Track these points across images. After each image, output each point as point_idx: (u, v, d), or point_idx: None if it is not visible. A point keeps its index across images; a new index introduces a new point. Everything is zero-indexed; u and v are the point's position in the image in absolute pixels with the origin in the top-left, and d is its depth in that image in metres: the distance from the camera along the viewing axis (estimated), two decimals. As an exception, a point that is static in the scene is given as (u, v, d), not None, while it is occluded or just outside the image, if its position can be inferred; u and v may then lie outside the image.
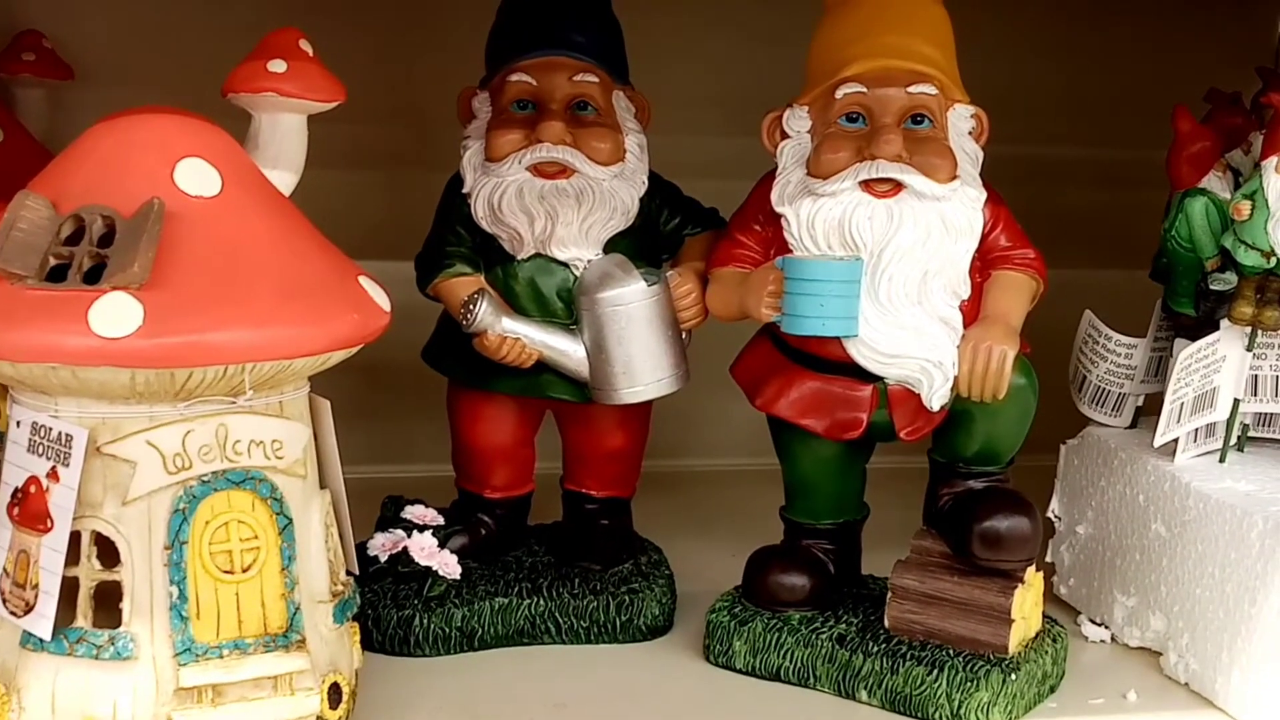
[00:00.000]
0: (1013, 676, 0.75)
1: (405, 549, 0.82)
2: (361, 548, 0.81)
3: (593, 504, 0.88)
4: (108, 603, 0.63)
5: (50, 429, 0.62)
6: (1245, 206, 0.78)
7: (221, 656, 0.63)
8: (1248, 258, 0.78)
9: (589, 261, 0.81)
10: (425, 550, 0.82)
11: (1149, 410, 0.88)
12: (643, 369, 0.81)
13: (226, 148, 0.65)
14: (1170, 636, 0.81)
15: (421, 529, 0.83)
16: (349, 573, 0.71)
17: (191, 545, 0.63)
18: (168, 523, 0.62)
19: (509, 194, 0.80)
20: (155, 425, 0.62)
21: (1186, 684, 0.80)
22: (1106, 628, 0.86)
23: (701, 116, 1.08)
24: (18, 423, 0.63)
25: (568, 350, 0.81)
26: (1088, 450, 0.89)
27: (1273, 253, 0.77)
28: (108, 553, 0.63)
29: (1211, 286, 0.81)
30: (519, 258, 0.81)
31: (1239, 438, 0.84)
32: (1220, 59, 1.16)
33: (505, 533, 0.87)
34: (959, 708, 0.74)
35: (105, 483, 0.62)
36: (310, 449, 0.67)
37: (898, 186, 0.75)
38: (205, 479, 0.63)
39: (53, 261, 0.61)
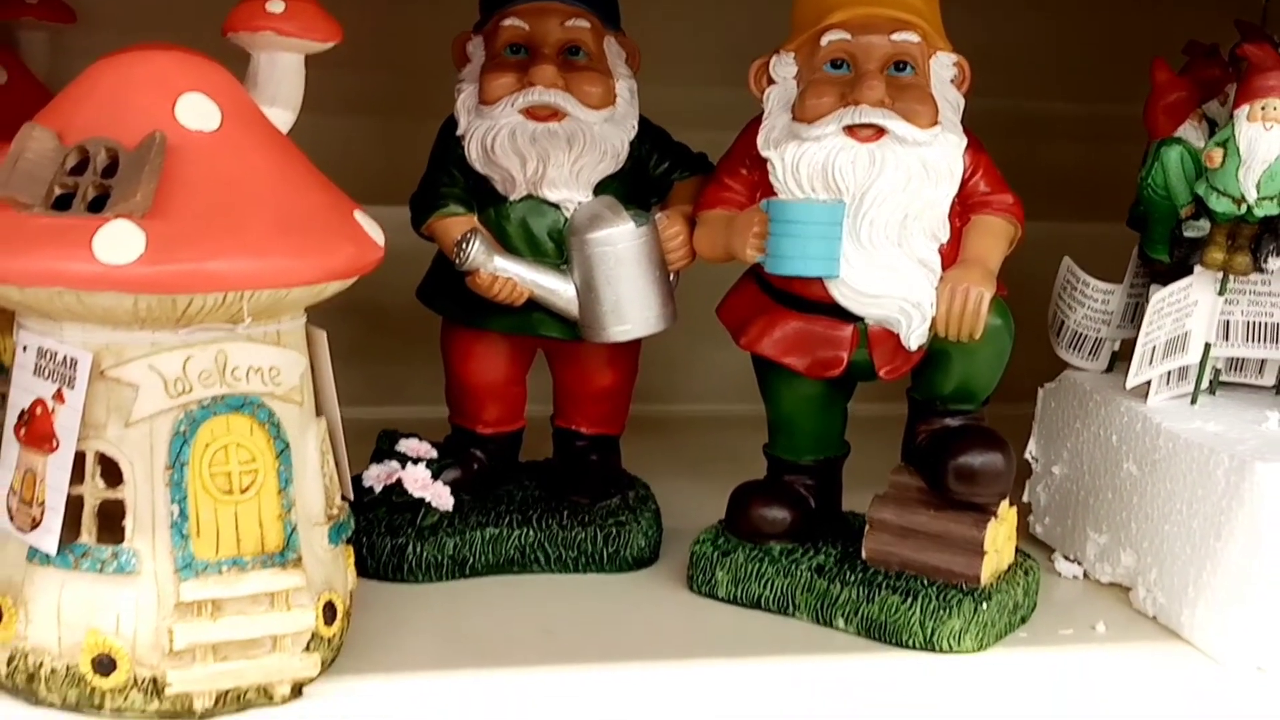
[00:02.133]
0: (984, 606, 0.78)
1: (399, 480, 0.84)
2: (357, 479, 0.84)
3: (582, 441, 0.91)
4: (111, 522, 0.65)
5: (56, 353, 0.64)
6: (1218, 154, 0.80)
7: (221, 573, 0.65)
8: (1220, 204, 0.80)
9: (579, 203, 0.83)
10: (419, 482, 0.85)
11: (1124, 355, 0.90)
12: (631, 308, 0.83)
13: (226, 84, 0.67)
14: (1139, 572, 0.84)
15: (415, 461, 0.85)
16: (344, 498, 0.73)
17: (192, 467, 0.65)
18: (169, 444, 0.65)
19: (502, 136, 0.82)
20: (157, 351, 0.64)
21: (1154, 617, 0.82)
22: (1079, 564, 0.89)
23: (695, 67, 1.10)
24: (24, 347, 0.66)
25: (558, 289, 0.83)
26: (1064, 393, 0.91)
27: (1243, 199, 0.80)
28: (111, 472, 0.65)
29: (1185, 233, 0.83)
30: (511, 199, 0.83)
31: (1211, 381, 0.87)
32: (1208, 14, 1.17)
33: (497, 467, 0.90)
34: (932, 635, 0.77)
35: (109, 405, 0.64)
36: (307, 377, 0.70)
37: (880, 132, 0.77)
38: (205, 403, 0.65)
39: (58, 191, 0.63)
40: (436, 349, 0.90)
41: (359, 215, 0.69)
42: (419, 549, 0.83)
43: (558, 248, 0.83)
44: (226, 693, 0.66)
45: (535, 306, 0.84)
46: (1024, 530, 0.89)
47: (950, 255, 0.78)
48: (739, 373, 0.88)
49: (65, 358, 0.64)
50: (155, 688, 0.65)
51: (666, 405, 1.17)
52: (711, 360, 1.16)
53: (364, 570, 0.81)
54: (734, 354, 0.87)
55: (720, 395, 1.16)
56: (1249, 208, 0.80)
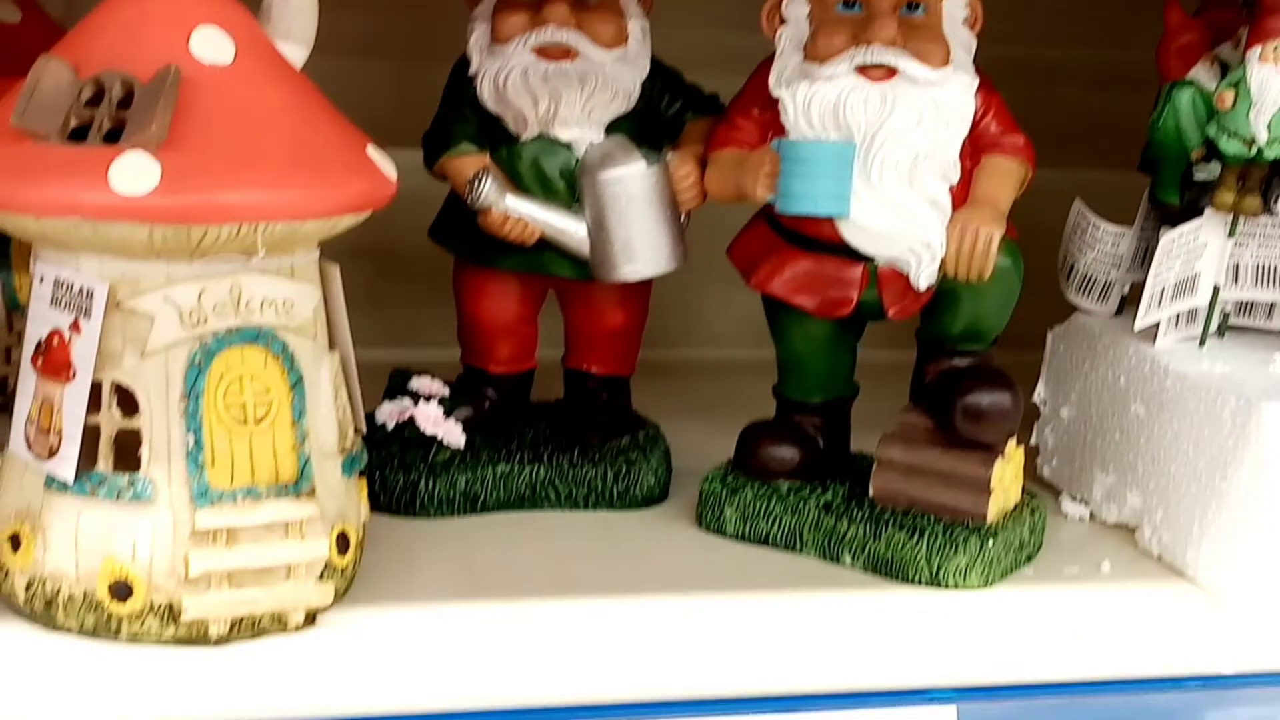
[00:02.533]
0: (990, 543, 0.78)
1: (412, 418, 0.85)
2: (370, 417, 0.85)
3: (593, 381, 0.91)
4: (127, 451, 0.66)
5: (72, 284, 0.65)
6: (1229, 96, 0.80)
7: (236, 502, 0.66)
8: (1230, 146, 0.80)
9: (591, 143, 0.84)
10: (431, 419, 0.85)
11: (1134, 299, 0.90)
12: (641, 247, 0.83)
13: (240, 18, 0.68)
14: (1145, 512, 0.85)
15: (428, 399, 0.86)
16: (357, 431, 0.74)
17: (206, 397, 0.66)
18: (184, 375, 0.65)
19: (514, 75, 0.83)
20: (172, 282, 0.65)
21: (1159, 556, 0.83)
22: (1086, 505, 0.89)
23: (708, 9, 1.10)
24: (41, 278, 0.67)
25: (569, 229, 0.84)
26: (1073, 336, 0.92)
27: (1254, 141, 0.80)
28: (127, 402, 0.66)
29: (1196, 176, 0.83)
30: (523, 138, 0.84)
31: (1219, 325, 0.87)
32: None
33: (508, 407, 0.90)
34: (937, 571, 0.78)
35: (124, 336, 0.65)
36: (320, 311, 0.70)
37: (892, 71, 0.77)
38: (220, 335, 0.66)
39: (74, 123, 0.64)
40: (450, 292, 0.91)
41: (371, 150, 0.70)
42: (431, 485, 0.84)
43: (569, 187, 0.84)
44: (241, 620, 0.67)
45: (547, 246, 0.84)
46: (1031, 472, 0.90)
47: (961, 196, 0.78)
48: (749, 318, 0.89)
49: (81, 288, 0.65)
50: (171, 614, 0.66)
51: (677, 350, 1.17)
52: (722, 305, 1.16)
53: (377, 505, 0.82)
54: (744, 299, 0.87)
55: (731, 340, 1.17)
56: (1260, 150, 0.80)
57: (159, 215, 0.62)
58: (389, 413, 0.85)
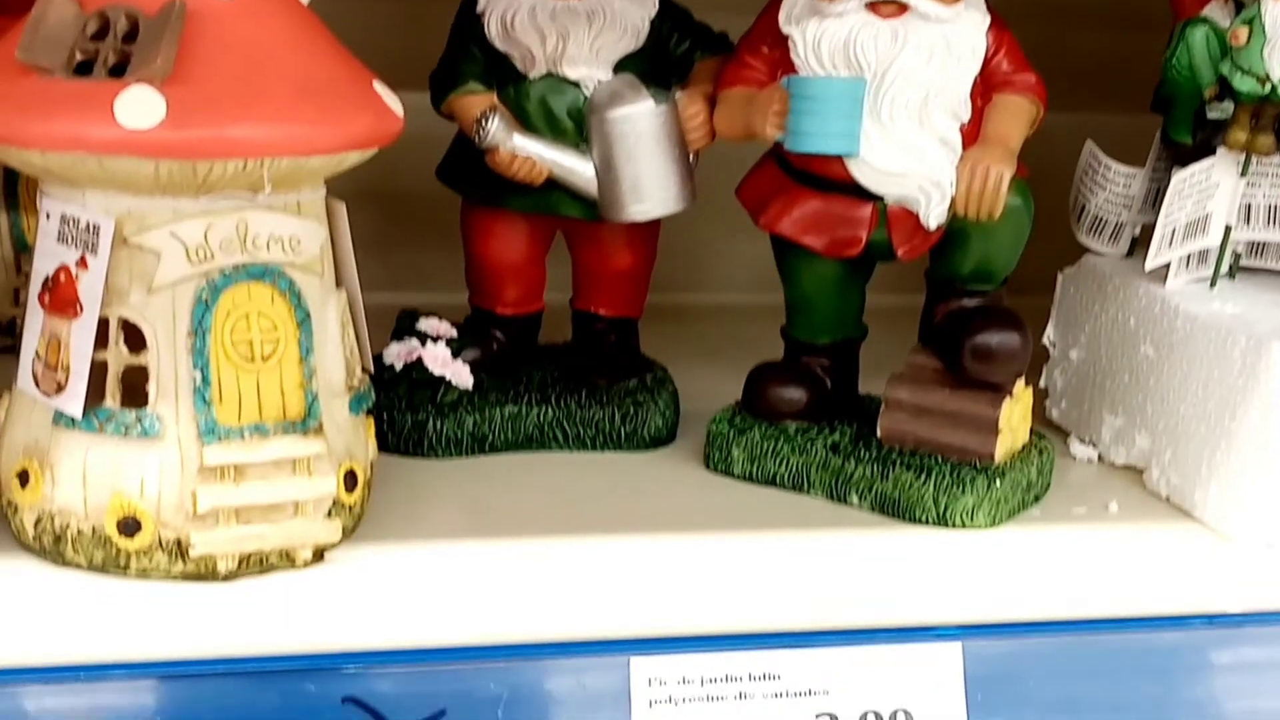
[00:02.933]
0: (997, 483, 0.78)
1: (420, 358, 0.85)
2: (378, 358, 0.85)
3: (601, 323, 0.91)
4: (134, 389, 0.66)
5: (79, 220, 0.65)
6: (1243, 33, 0.79)
7: (243, 438, 0.66)
8: (1244, 84, 0.80)
9: (599, 81, 0.83)
10: (439, 360, 0.85)
11: (1145, 241, 0.90)
12: (650, 187, 0.83)
13: (246, -49, 0.67)
14: (1154, 453, 0.84)
15: (435, 340, 0.86)
16: (364, 370, 0.74)
17: (214, 333, 0.66)
18: (191, 311, 0.65)
19: (521, 13, 0.82)
20: (178, 218, 0.65)
21: (1167, 497, 0.83)
22: (1094, 447, 0.89)
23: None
24: (48, 214, 0.66)
25: (577, 168, 0.83)
26: (1084, 278, 0.91)
27: (1268, 79, 0.79)
28: (134, 339, 0.66)
29: (1209, 115, 0.82)
30: (530, 77, 0.83)
31: (1231, 266, 0.86)
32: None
33: (516, 348, 0.90)
34: (945, 510, 0.78)
35: (131, 272, 0.65)
36: (326, 248, 0.70)
37: (902, 8, 0.76)
38: (226, 271, 0.66)
39: (79, 57, 0.63)
40: (457, 235, 0.90)
41: (378, 85, 0.69)
42: (439, 425, 0.84)
43: (577, 126, 0.83)
44: (249, 556, 0.67)
45: (555, 186, 0.84)
46: (1040, 415, 0.90)
47: (971, 134, 0.78)
48: (759, 262, 0.88)
49: (88, 224, 0.65)
50: (179, 549, 0.66)
51: (685, 295, 1.17)
52: (731, 250, 1.16)
53: (385, 446, 0.82)
54: (754, 243, 0.87)
55: (739, 285, 1.16)
56: (1274, 87, 0.79)
57: (164, 150, 0.61)
58: (397, 353, 0.85)
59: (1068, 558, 0.76)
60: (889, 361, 0.84)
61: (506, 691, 0.63)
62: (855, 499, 0.80)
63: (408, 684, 0.63)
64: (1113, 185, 0.90)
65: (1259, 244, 0.88)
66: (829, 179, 0.79)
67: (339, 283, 0.72)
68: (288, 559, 0.68)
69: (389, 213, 1.11)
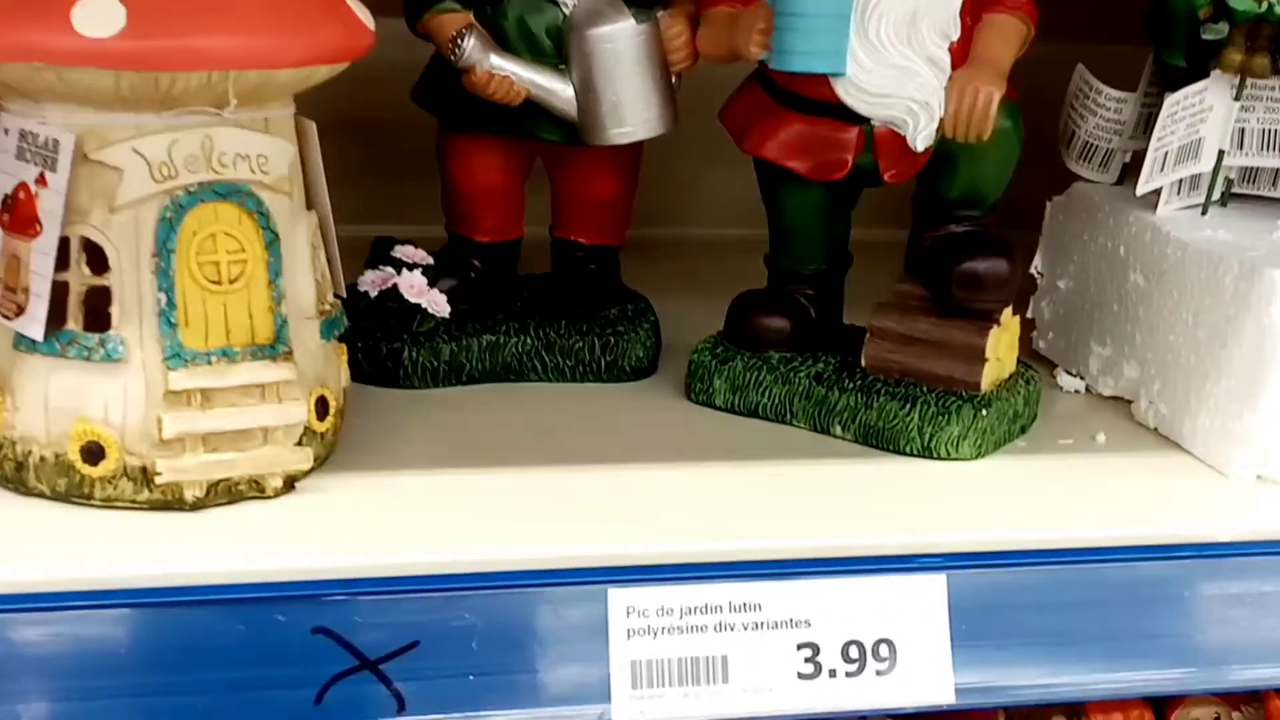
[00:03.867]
0: (984, 412, 0.77)
1: (395, 286, 0.83)
2: (352, 286, 0.83)
3: (581, 251, 0.89)
4: (98, 312, 0.64)
5: (37, 135, 0.63)
6: (1240, -50, 0.77)
7: (210, 363, 0.64)
8: (1240, 3, 0.78)
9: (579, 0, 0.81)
10: (415, 288, 0.83)
11: (1135, 168, 0.88)
12: (631, 109, 0.81)
13: None
14: (1142, 384, 0.83)
15: (411, 267, 0.84)
16: (336, 295, 0.72)
17: (179, 254, 0.64)
18: (155, 231, 0.63)
19: (498, -72, 0.80)
20: (141, 134, 0.62)
21: (1155, 428, 0.82)
22: (1081, 378, 0.88)
23: None
24: (5, 130, 0.64)
25: (556, 89, 0.81)
26: (1073, 206, 0.90)
27: (1265, -2, 0.77)
28: (96, 259, 0.64)
29: (1203, 36, 0.80)
30: (508, -5, 0.81)
31: (1223, 192, 0.85)
32: None
33: (494, 277, 0.88)
34: (930, 440, 0.76)
35: (92, 190, 0.63)
36: (296, 168, 0.68)
37: (891, -78, 0.74)
38: (191, 189, 0.64)
39: (35, -36, 0.61)
40: (434, 167, 0.88)
41: (348, -2, 0.67)
42: (415, 354, 0.82)
43: (556, 46, 0.81)
44: (217, 483, 0.65)
45: (533, 109, 0.81)
46: (1026, 346, 0.88)
47: (960, 54, 0.76)
48: (741, 196, 0.86)
49: (47, 140, 0.62)
50: (145, 477, 0.64)
51: (667, 229, 1.15)
52: (714, 183, 1.14)
53: (359, 375, 0.80)
54: (737, 177, 0.85)
55: (722, 219, 1.14)
56: (1270, 5, 0.77)
57: (125, 60, 0.59)
58: (372, 281, 0.83)
59: (1054, 489, 0.74)
60: (874, 295, 0.82)
61: (481, 622, 0.62)
62: (839, 429, 0.79)
63: (379, 614, 0.61)
64: (1103, 110, 0.88)
65: (1251, 170, 0.86)
66: (814, 101, 0.77)
67: (309, 204, 0.70)
68: (257, 487, 0.66)
69: (364, 143, 1.09)
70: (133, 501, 0.65)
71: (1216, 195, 0.84)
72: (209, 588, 0.61)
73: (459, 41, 0.79)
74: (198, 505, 0.65)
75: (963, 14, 0.76)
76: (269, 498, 0.67)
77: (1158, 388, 0.82)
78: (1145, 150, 0.84)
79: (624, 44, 0.80)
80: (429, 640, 0.62)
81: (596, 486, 0.71)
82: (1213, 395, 0.77)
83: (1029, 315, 0.92)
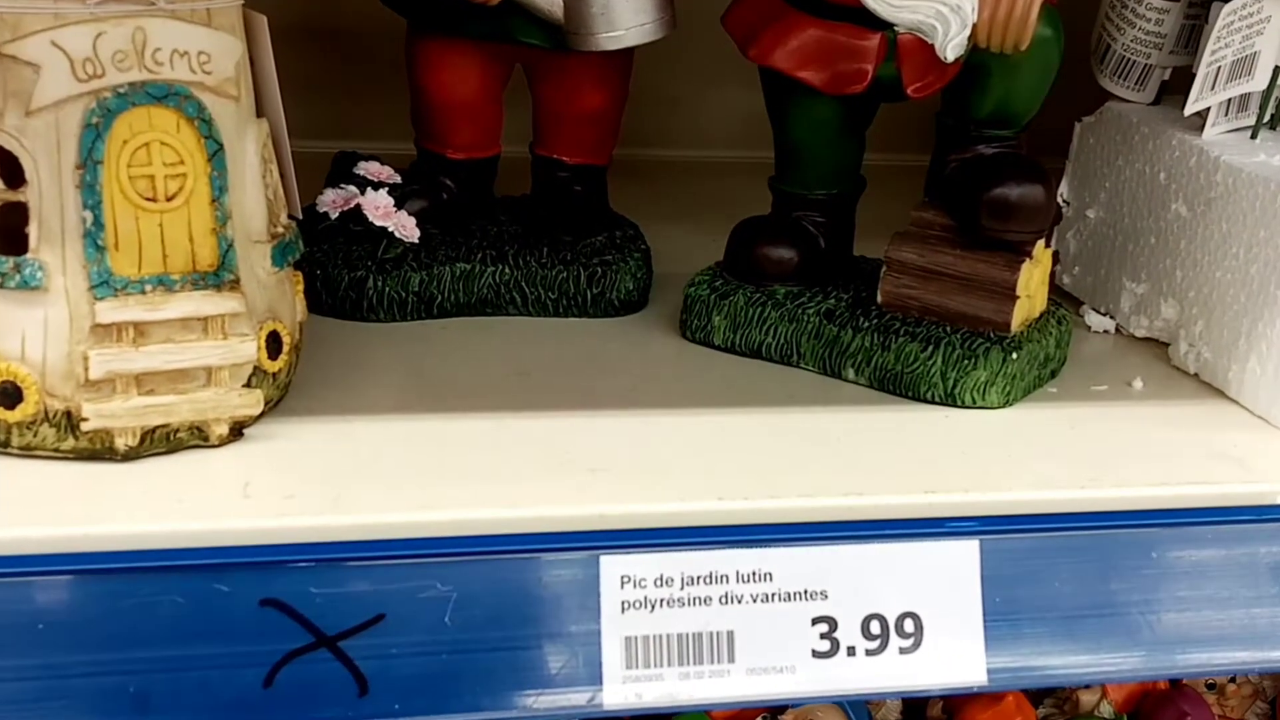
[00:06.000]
0: (1013, 356, 0.70)
1: (358, 206, 0.75)
2: (310, 207, 0.75)
3: (565, 171, 0.82)
4: (13, 233, 0.56)
5: (-61, 25, 0.54)
6: None
7: (144, 292, 0.57)
8: (1309, -100, 0.70)
9: (566, -114, 0.72)
10: (380, 209, 0.76)
11: (1174, 87, 0.81)
12: (623, 11, 0.73)
13: None
14: (1182, 325, 0.76)
15: (377, 187, 0.76)
16: (291, 216, 0.64)
17: (107, 166, 0.56)
18: (79, 139, 0.55)
19: None
20: (61, 23, 0.55)
21: (1196, 374, 0.75)
22: (1111, 317, 0.81)
23: None
24: (-98, 18, 0.55)
25: (540, -13, 0.73)
26: (1106, 127, 0.82)
27: (1338, -107, 0.69)
28: (11, 171, 0.56)
29: (1262, -62, 0.72)
30: (487, -122, 0.72)
31: (1275, 112, 0.77)
32: None
33: (469, 197, 0.81)
34: (954, 387, 0.69)
35: (5, 89, 0.55)
36: (244, 69, 0.60)
37: None
38: (121, 90, 0.56)
39: None
40: (402, 75, 0.80)
41: None
42: (380, 284, 0.74)
43: (540, -62, 0.73)
44: (153, 430, 0.58)
45: (514, 9, 0.74)
46: (1050, 280, 0.81)
47: (997, -48, 0.68)
48: (740, 114, 0.80)
49: (-50, 30, 0.54)
50: (69, 422, 0.57)
51: (659, 149, 1.08)
52: (711, 98, 1.06)
53: (318, 307, 0.74)
54: (734, 93, 0.78)
55: (719, 140, 1.08)
56: (1345, -97, 0.69)
57: (36, -68, 0.50)
58: (332, 201, 0.76)
59: (1093, 442, 0.67)
60: (889, 224, 0.74)
61: (455, 592, 0.55)
62: (851, 373, 0.72)
63: (338, 583, 0.54)
64: (1143, 21, 0.80)
65: (1305, 91, 0.78)
66: (832, 3, 0.69)
67: (260, 111, 0.62)
68: (199, 434, 0.59)
69: (324, 49, 1.01)
70: (55, 450, 0.57)
71: (1268, 116, 0.76)
72: (142, 553, 0.53)
73: (432, -70, 0.70)
74: (130, 455, 0.58)
75: (1000, -94, 0.68)
76: (213, 446, 0.59)
77: (1200, 329, 0.74)
78: (1185, 67, 0.76)
79: (618, -64, 0.71)
80: (396, 612, 0.55)
81: (584, 436, 0.64)
82: (1264, 339, 0.70)
83: (1053, 246, 0.84)
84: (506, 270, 0.77)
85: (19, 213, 0.56)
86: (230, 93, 0.58)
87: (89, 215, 0.56)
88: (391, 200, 0.76)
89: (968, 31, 0.67)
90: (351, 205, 0.75)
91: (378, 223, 0.75)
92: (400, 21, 0.79)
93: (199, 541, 0.54)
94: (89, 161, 0.55)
